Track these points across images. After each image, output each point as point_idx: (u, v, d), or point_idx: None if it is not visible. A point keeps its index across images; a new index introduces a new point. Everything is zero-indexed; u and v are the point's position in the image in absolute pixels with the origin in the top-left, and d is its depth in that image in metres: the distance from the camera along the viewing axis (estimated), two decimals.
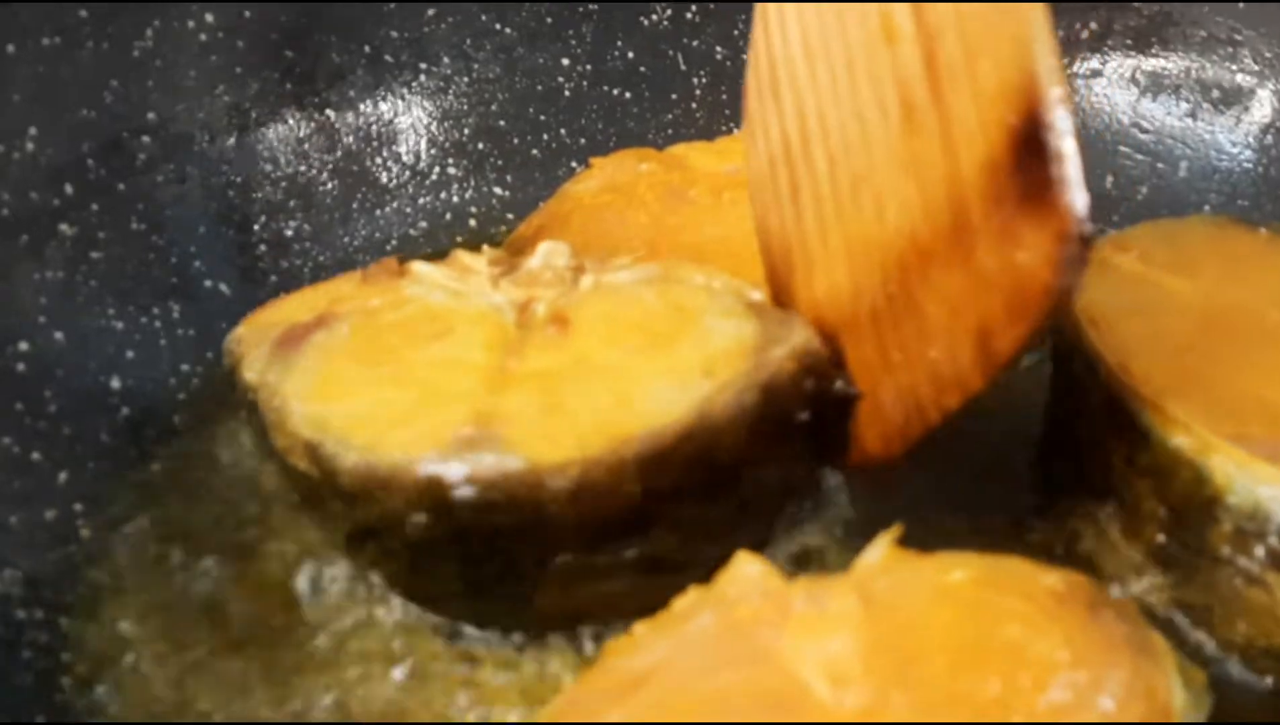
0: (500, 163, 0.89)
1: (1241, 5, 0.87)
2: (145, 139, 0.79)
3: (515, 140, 0.90)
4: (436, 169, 0.89)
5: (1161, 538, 0.61)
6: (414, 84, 0.89)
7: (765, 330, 0.60)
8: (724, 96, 0.91)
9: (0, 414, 0.68)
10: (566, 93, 0.90)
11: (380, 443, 0.57)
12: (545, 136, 0.90)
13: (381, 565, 0.61)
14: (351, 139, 0.87)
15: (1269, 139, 0.86)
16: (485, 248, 0.75)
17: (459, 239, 0.87)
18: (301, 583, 0.64)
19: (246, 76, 0.84)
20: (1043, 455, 0.69)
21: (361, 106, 0.87)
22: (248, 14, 0.83)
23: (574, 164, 0.89)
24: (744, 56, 0.65)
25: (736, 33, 0.91)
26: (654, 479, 0.56)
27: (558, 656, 0.61)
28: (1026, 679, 0.47)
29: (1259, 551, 0.58)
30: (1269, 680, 0.60)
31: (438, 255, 0.68)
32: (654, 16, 0.91)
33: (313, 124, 0.86)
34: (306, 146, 0.86)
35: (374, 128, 0.88)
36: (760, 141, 0.64)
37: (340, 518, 0.59)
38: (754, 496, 0.60)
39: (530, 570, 0.58)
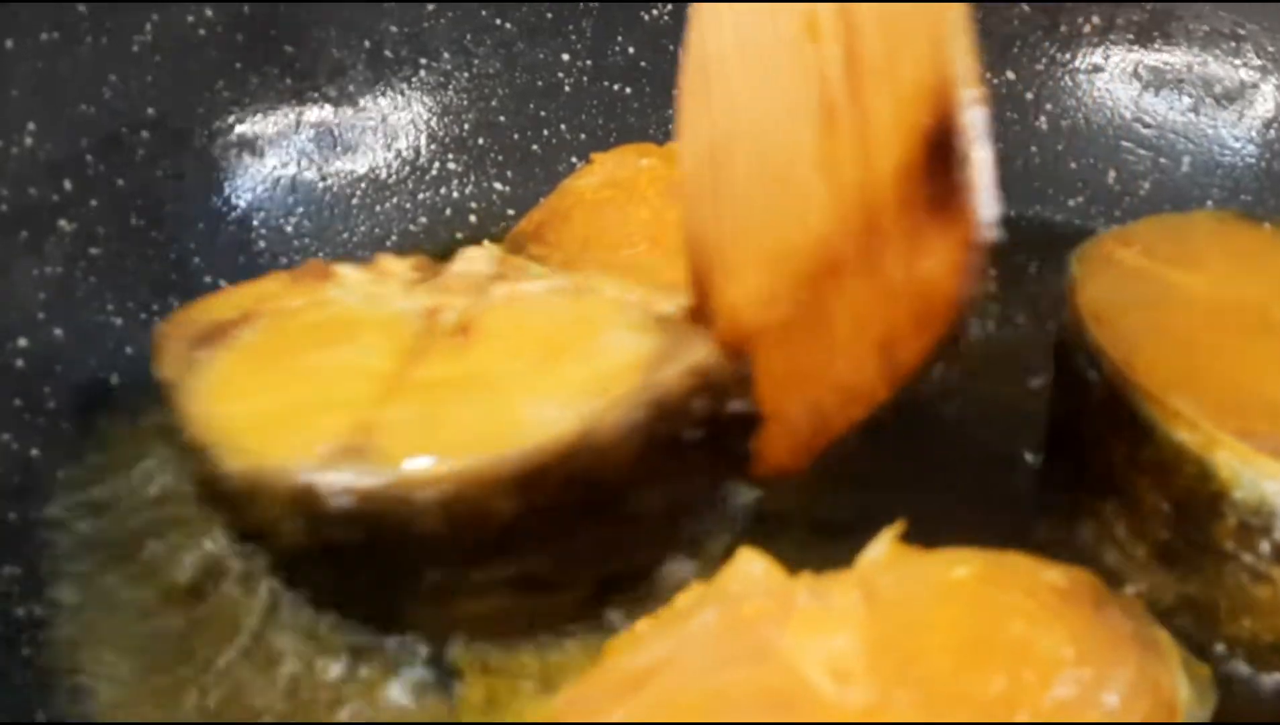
0: (500, 158, 0.89)
1: (1244, 0, 0.86)
2: (144, 134, 0.79)
3: (515, 136, 0.89)
4: (436, 164, 0.88)
5: (1165, 534, 0.61)
6: (414, 79, 0.88)
7: (663, 347, 0.59)
8: None
9: None
10: (567, 88, 0.90)
11: (263, 448, 0.56)
12: (546, 132, 0.90)
13: (270, 569, 0.61)
14: (351, 134, 0.87)
15: (1272, 134, 0.86)
16: (486, 242, 0.76)
17: (459, 235, 0.87)
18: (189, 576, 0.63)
19: (246, 71, 0.83)
20: (1046, 451, 0.69)
21: (361, 102, 0.87)
22: (247, 9, 0.83)
23: (575, 159, 0.89)
24: None
25: None
26: (531, 497, 0.55)
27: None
28: (1031, 676, 0.47)
29: (1264, 547, 0.58)
30: (1275, 676, 0.60)
31: (438, 251, 0.68)
32: (655, 12, 0.91)
33: (312, 119, 0.86)
34: (306, 142, 0.86)
35: (373, 123, 0.88)
36: (689, 142, 0.62)
37: (230, 520, 0.59)
38: (645, 515, 0.59)
39: (404, 584, 0.57)
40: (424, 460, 0.55)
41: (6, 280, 0.71)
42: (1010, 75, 0.90)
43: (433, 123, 0.89)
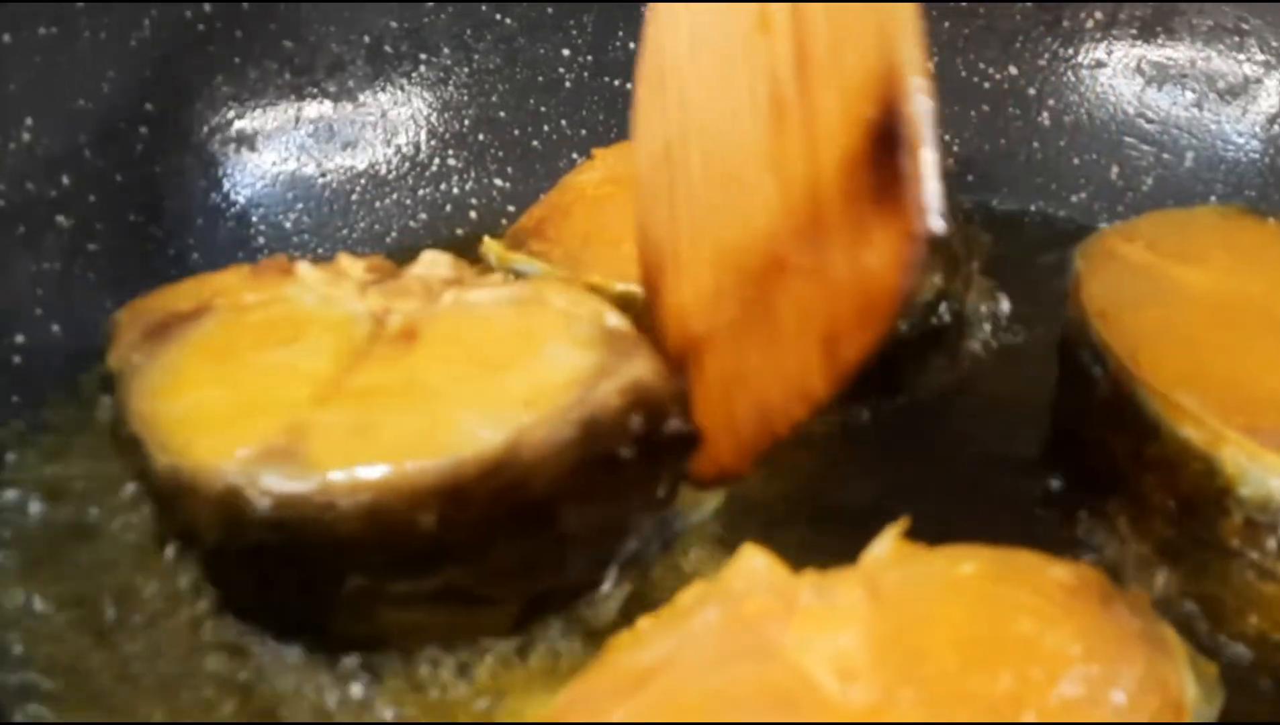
0: (501, 154, 0.89)
1: None
2: (143, 129, 0.79)
3: (516, 131, 0.89)
4: (436, 160, 0.88)
5: (1171, 531, 0.61)
6: (414, 75, 0.88)
7: (603, 362, 0.57)
8: None
9: None
10: (568, 84, 0.90)
11: (191, 447, 0.55)
12: (546, 128, 0.89)
13: (195, 571, 0.60)
14: (350, 130, 0.87)
15: (1276, 129, 0.86)
16: (485, 239, 0.76)
17: (459, 231, 0.86)
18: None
19: (245, 67, 0.83)
20: (1050, 448, 0.69)
21: (361, 97, 0.87)
22: (246, 4, 0.82)
23: (575, 155, 0.88)
24: None
25: None
26: (454, 510, 0.54)
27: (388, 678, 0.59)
28: (1038, 673, 0.47)
29: (1271, 544, 0.58)
30: None
31: (438, 247, 0.68)
32: None
33: (311, 115, 0.86)
34: (305, 138, 0.86)
35: (373, 119, 0.87)
36: (645, 141, 0.62)
37: (160, 518, 0.58)
38: (577, 533, 0.58)
39: (325, 591, 0.56)
40: (349, 468, 0.54)
41: (4, 276, 0.71)
42: (1013, 70, 0.90)
43: (433, 118, 0.88)
